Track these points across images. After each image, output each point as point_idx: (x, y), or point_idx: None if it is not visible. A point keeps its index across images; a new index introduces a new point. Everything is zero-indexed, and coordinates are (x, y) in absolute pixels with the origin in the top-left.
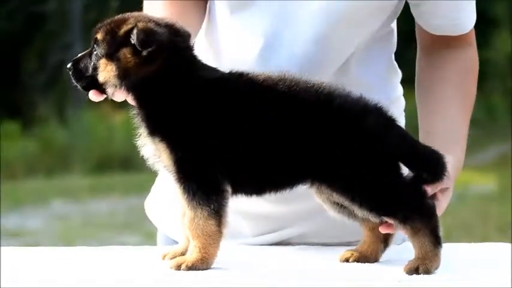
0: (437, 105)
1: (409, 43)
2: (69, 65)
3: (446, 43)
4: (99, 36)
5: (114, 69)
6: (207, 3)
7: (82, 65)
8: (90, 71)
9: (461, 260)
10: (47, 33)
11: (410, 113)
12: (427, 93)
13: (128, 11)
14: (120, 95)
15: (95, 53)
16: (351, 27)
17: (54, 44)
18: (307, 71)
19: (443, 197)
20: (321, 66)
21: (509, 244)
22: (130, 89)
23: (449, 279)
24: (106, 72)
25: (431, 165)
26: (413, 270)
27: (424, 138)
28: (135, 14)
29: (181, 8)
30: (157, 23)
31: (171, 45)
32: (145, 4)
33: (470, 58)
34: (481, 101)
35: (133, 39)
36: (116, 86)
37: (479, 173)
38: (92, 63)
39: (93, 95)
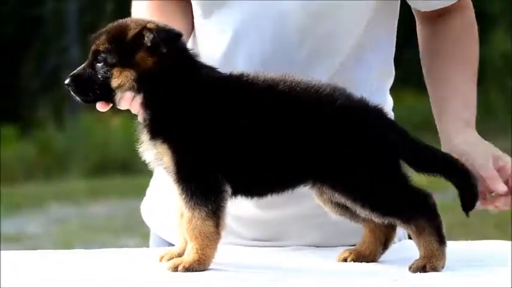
0: (441, 74)
1: (408, 43)
2: (67, 81)
3: (442, 12)
4: (100, 47)
5: (133, 73)
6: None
7: (86, 78)
8: (99, 82)
9: (461, 258)
10: (43, 37)
11: (410, 109)
12: (431, 64)
13: (123, 14)
14: (125, 103)
15: (99, 64)
16: (329, 24)
17: (50, 47)
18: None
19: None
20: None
21: (509, 242)
22: (145, 91)
23: (449, 276)
24: (123, 77)
25: (435, 165)
26: (421, 268)
27: (436, 109)
28: (132, 19)
29: (169, 12)
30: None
31: (179, 44)
32: (133, 10)
33: (467, 19)
34: (478, 99)
35: (149, 40)
36: (131, 89)
37: None
38: (100, 74)
39: (101, 107)
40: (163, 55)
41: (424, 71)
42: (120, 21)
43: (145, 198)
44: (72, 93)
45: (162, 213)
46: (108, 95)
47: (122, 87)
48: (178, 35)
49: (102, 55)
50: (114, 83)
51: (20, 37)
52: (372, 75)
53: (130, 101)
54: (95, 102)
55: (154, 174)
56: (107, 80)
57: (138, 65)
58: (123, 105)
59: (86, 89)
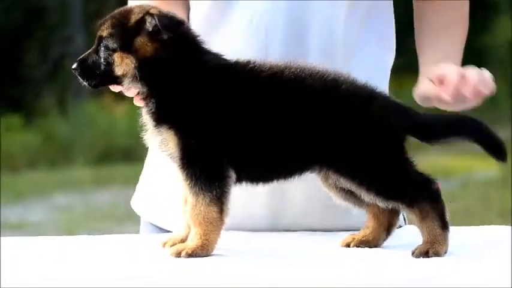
0: (429, 38)
1: (409, 32)
2: (74, 66)
3: None
4: (104, 32)
5: (133, 60)
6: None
7: (90, 63)
8: (102, 68)
9: (463, 243)
10: (48, 26)
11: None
12: (421, 30)
13: (127, 3)
14: (133, 90)
15: (102, 49)
16: None
17: (54, 36)
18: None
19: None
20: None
21: (510, 227)
22: (147, 78)
23: (452, 261)
24: (125, 65)
25: (447, 134)
26: (423, 253)
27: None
28: (137, 5)
29: (167, 5)
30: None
31: (183, 31)
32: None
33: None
34: None
35: (151, 25)
36: (135, 77)
37: (481, 159)
38: (103, 59)
39: (114, 87)
40: (165, 42)
41: (415, 37)
42: (126, 6)
43: (135, 193)
44: (79, 77)
45: (158, 200)
46: (112, 81)
47: (126, 76)
48: (180, 22)
49: (105, 40)
50: (118, 70)
51: (25, 26)
52: (369, 42)
53: (136, 90)
54: (99, 87)
55: (144, 167)
56: (109, 65)
57: (137, 51)
58: (130, 93)
59: (90, 74)
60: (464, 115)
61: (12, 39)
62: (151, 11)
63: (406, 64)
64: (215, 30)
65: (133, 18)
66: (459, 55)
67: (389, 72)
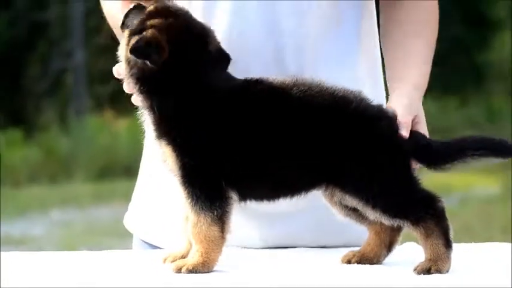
0: (396, 38)
1: None
2: None
3: None
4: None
5: (126, 52)
6: None
7: None
8: None
9: (464, 260)
10: (49, 40)
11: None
12: (391, 45)
13: None
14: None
15: None
16: None
17: (55, 51)
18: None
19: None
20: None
21: (511, 244)
22: (138, 84)
23: (452, 278)
24: (123, 49)
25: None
26: (425, 271)
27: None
28: (173, 5)
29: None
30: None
31: (177, 54)
32: (103, 5)
33: (427, 8)
34: (482, 103)
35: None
36: (128, 72)
37: (482, 176)
38: None
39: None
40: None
41: (380, 38)
42: (167, 4)
43: (128, 212)
44: None
45: (151, 218)
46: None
47: (124, 61)
48: (156, 58)
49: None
50: (121, 51)
51: (25, 40)
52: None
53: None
54: None
55: (136, 184)
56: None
57: (127, 47)
58: (135, 101)
59: None
60: (466, 136)
61: (13, 53)
62: (148, 32)
63: None
64: None
65: (147, 14)
66: (429, 60)
67: (381, 80)
